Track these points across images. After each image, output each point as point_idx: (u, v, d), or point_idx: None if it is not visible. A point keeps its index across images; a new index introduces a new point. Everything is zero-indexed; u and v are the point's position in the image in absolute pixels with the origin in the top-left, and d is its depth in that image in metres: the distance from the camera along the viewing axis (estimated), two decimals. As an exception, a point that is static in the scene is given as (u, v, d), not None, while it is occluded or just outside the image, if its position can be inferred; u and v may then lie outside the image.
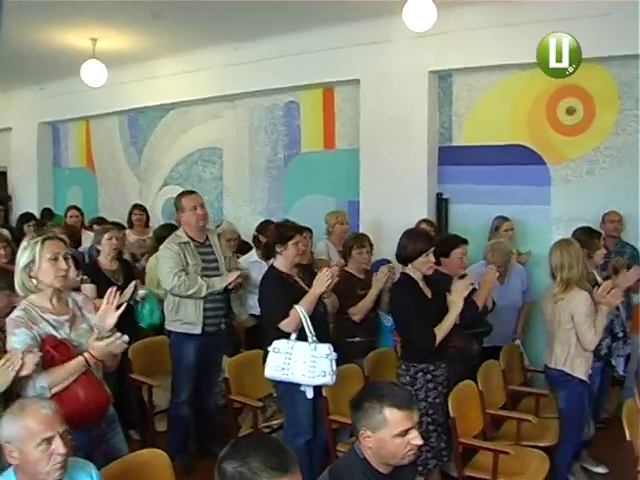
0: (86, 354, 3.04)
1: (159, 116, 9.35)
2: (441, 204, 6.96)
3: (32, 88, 10.42)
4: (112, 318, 3.15)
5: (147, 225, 7.98)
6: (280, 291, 4.24)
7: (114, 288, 3.26)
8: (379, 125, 7.00)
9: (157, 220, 8.50)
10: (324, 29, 7.00)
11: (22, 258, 3.15)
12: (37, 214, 9.53)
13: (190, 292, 4.84)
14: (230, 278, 4.97)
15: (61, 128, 10.97)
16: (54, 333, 3.10)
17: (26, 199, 10.98)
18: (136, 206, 8.19)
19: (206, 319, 4.93)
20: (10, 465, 2.43)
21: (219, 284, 4.93)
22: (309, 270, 4.57)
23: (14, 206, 11.13)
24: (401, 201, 6.76)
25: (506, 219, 6.32)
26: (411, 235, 4.30)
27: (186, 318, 4.92)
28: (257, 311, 5.31)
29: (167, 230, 5.91)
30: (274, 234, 4.46)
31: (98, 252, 5.55)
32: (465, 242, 4.86)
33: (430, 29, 5.76)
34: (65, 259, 3.16)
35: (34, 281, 3.14)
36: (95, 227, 7.21)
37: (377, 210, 6.94)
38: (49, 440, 2.36)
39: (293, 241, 4.31)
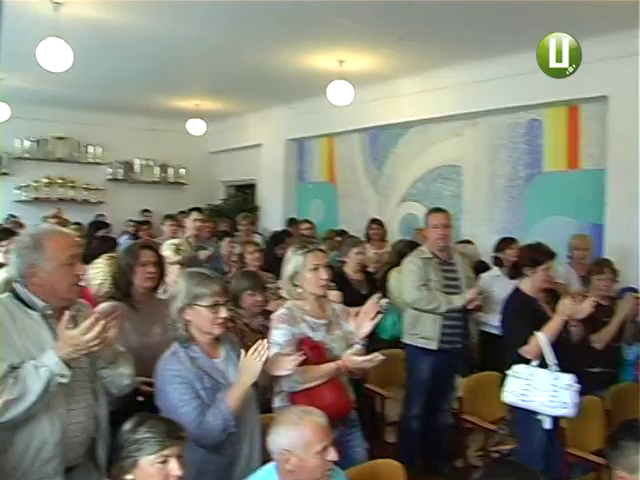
0: (340, 362, 3.27)
1: (399, 134, 9.54)
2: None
3: (281, 107, 11.16)
4: (367, 328, 3.40)
5: (384, 239, 8.16)
6: (524, 315, 4.17)
7: None
8: (629, 144, 6.56)
9: (394, 235, 8.67)
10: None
11: (287, 269, 3.46)
12: (282, 225, 10.17)
13: (430, 307, 4.91)
14: (469, 295, 4.98)
15: (306, 144, 11.59)
16: (311, 334, 3.37)
17: (272, 210, 11.78)
18: (374, 221, 8.41)
19: (443, 336, 4.98)
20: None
21: (459, 301, 4.96)
22: (553, 295, 4.44)
23: (262, 216, 11.96)
24: (652, 226, 6.32)
25: None
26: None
27: (423, 333, 5.01)
28: (494, 329, 5.26)
29: (407, 245, 6.06)
30: (525, 256, 4.40)
31: (342, 262, 5.78)
32: None
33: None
34: (325, 269, 3.40)
35: (299, 289, 3.44)
36: (336, 238, 7.55)
37: (624, 235, 6.50)
38: (325, 448, 2.54)
39: (544, 266, 4.22)
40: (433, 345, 4.97)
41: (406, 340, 5.20)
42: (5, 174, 12.09)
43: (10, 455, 2.51)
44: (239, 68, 8.51)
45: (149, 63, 8.44)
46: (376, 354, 3.30)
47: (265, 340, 2.93)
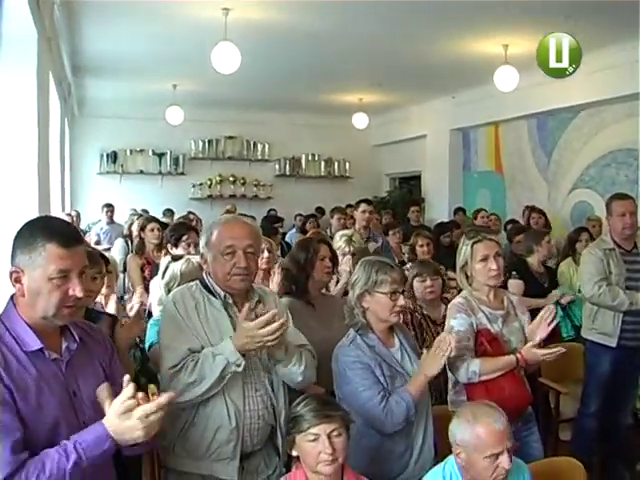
0: (518, 355, 3.18)
1: (569, 118, 9.16)
2: None
3: (444, 97, 11.04)
4: (543, 333, 3.22)
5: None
6: None
7: None
8: None
9: (567, 225, 8.32)
10: None
11: (459, 259, 3.43)
12: (448, 216, 10.06)
13: (609, 304, 4.64)
14: None
15: (471, 133, 11.40)
16: (488, 326, 3.30)
17: (438, 201, 11.71)
18: (534, 209, 8.20)
19: (623, 332, 4.66)
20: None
21: None
22: None
23: (426, 207, 11.90)
24: None
25: None
26: None
27: (602, 328, 4.73)
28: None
29: (578, 233, 5.89)
30: None
31: (528, 253, 5.65)
32: None
33: None
34: (496, 259, 3.31)
35: (470, 280, 3.40)
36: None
37: None
38: (497, 455, 2.42)
39: None
40: (612, 342, 4.67)
41: (585, 334, 4.95)
42: (182, 174, 12.87)
43: (192, 434, 2.67)
44: (401, 60, 8.50)
45: (312, 60, 8.62)
46: (559, 348, 3.19)
47: (450, 336, 2.91)
